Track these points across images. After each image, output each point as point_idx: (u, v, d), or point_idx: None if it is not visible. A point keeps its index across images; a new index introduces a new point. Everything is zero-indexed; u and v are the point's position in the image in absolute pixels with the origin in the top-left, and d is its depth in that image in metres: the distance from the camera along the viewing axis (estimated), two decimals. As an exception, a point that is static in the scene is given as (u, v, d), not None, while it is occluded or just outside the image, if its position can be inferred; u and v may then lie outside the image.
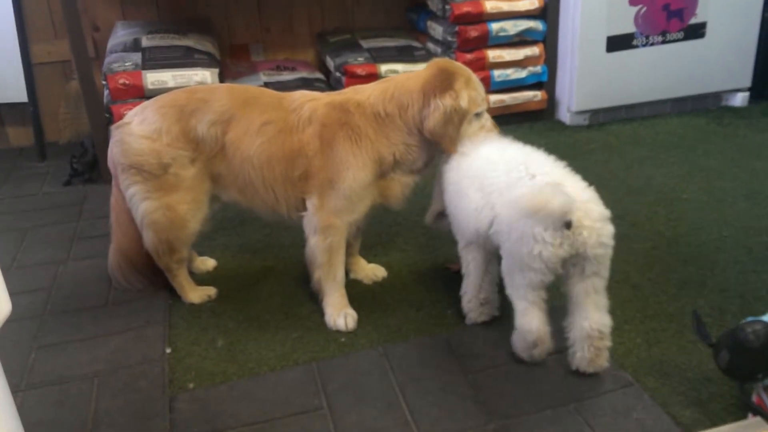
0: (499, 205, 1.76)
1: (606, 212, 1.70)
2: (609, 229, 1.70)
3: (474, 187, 1.85)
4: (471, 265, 1.98)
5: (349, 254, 2.22)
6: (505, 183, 1.76)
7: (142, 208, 2.05)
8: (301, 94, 2.06)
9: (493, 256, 1.92)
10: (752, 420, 1.55)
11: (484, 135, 1.97)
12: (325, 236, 2.00)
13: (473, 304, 2.01)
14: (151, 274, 2.22)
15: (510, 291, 1.81)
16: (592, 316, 1.74)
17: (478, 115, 1.97)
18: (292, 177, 2.00)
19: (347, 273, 2.21)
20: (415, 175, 2.04)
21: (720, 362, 1.59)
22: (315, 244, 2.02)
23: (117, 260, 2.23)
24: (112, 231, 2.22)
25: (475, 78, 1.99)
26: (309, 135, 1.96)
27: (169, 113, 2.01)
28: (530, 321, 1.77)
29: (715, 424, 1.61)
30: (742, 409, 1.65)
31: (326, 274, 2.05)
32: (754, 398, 1.58)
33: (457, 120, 1.92)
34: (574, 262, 1.70)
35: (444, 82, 1.91)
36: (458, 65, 2.01)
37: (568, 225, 1.63)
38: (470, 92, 1.94)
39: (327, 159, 1.95)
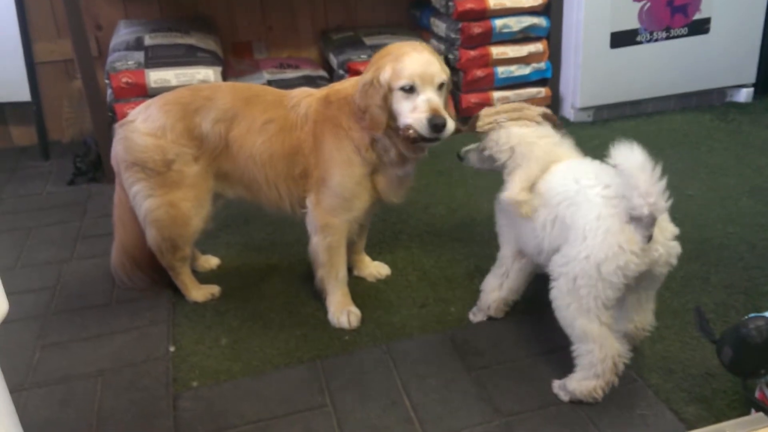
0: (571, 217, 1.64)
1: (676, 230, 1.66)
2: (678, 250, 1.64)
3: (540, 202, 1.74)
4: (514, 271, 1.94)
5: (353, 252, 2.22)
6: (575, 191, 1.66)
7: (145, 206, 2.05)
8: (300, 91, 2.06)
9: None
10: (755, 416, 1.54)
11: (419, 116, 1.77)
12: (324, 236, 2.00)
13: (498, 303, 2.00)
14: (155, 273, 2.23)
15: (576, 323, 1.64)
16: (638, 319, 1.77)
17: (407, 91, 1.80)
18: (294, 175, 2.00)
19: (351, 270, 2.21)
20: (397, 169, 1.97)
21: (723, 358, 1.58)
22: (316, 244, 2.03)
23: (120, 259, 2.23)
24: (114, 229, 2.23)
25: (415, 55, 1.80)
26: (306, 132, 1.96)
27: (173, 110, 2.02)
28: (613, 345, 1.65)
29: (718, 420, 1.61)
30: (745, 405, 1.66)
31: (328, 273, 2.05)
32: (757, 394, 1.57)
33: (373, 93, 1.83)
34: (638, 277, 1.63)
35: (375, 60, 1.89)
36: (403, 44, 1.88)
37: (648, 238, 1.56)
38: (395, 65, 1.80)
39: (319, 156, 1.95)
